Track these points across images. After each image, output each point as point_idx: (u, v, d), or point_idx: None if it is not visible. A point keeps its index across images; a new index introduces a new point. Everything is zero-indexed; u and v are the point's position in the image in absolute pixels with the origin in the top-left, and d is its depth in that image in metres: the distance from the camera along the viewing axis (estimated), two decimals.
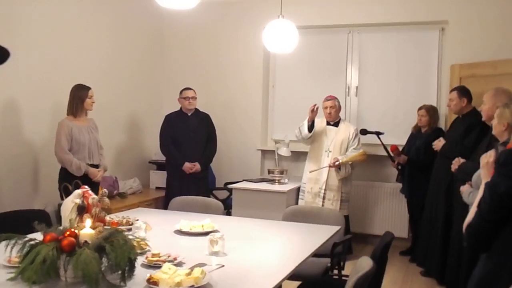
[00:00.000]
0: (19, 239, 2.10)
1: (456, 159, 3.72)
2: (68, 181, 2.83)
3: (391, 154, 5.23)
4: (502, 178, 1.81)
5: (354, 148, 5.09)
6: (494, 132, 2.99)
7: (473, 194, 2.89)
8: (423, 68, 5.69)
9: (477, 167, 2.93)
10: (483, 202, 1.89)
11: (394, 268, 4.88)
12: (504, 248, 1.94)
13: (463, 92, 4.50)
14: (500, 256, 1.94)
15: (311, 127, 5.09)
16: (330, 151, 5.09)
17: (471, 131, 4.25)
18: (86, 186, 2.48)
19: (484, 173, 2.15)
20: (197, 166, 5.19)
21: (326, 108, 5.15)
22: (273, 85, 6.34)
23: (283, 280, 2.29)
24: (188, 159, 5.19)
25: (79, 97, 4.32)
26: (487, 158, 2.14)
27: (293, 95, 6.20)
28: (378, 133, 5.31)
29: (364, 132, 5.35)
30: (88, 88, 4.36)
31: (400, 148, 5.24)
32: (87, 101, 4.33)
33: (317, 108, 5.05)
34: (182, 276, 2.03)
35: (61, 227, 2.22)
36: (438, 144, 4.44)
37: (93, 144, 4.40)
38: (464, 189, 3.08)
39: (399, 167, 5.25)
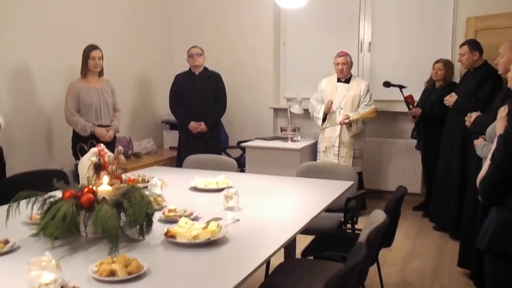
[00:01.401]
0: (40, 197, 2.15)
1: (470, 113, 3.68)
2: (82, 142, 2.87)
3: (408, 102, 5.11)
4: None
5: (366, 104, 5.06)
6: (509, 84, 2.95)
7: (486, 147, 2.88)
8: (438, 21, 5.56)
9: (492, 120, 2.92)
10: (497, 152, 1.89)
11: (408, 222, 4.93)
12: None
13: (474, 45, 4.42)
14: None
15: (324, 118, 5.12)
16: (342, 108, 5.07)
17: (484, 84, 4.19)
18: (102, 145, 2.52)
19: (499, 126, 2.14)
20: (202, 126, 5.14)
21: (338, 64, 5.09)
22: (285, 42, 6.26)
23: (296, 233, 2.33)
24: (194, 119, 5.16)
25: (84, 58, 4.33)
26: (504, 111, 2.12)
27: (305, 52, 6.13)
28: (401, 86, 5.14)
29: (387, 84, 5.23)
30: (92, 49, 4.30)
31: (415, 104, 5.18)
32: (90, 62, 4.30)
33: (331, 103, 5.05)
34: (199, 230, 2.08)
35: (79, 185, 2.28)
36: (451, 99, 4.39)
37: (102, 105, 4.40)
38: (478, 142, 3.06)
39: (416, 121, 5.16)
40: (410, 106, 5.11)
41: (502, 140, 1.89)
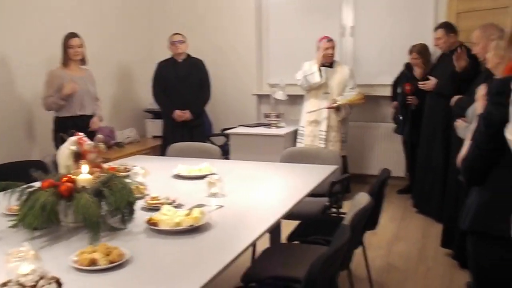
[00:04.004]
0: (17, 187, 2.11)
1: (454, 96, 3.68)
2: (63, 131, 2.82)
3: (408, 94, 4.94)
4: (496, 107, 1.80)
5: (350, 88, 5.06)
6: (489, 65, 2.95)
7: (467, 129, 2.89)
8: (419, 4, 5.55)
9: (472, 101, 2.92)
10: (478, 133, 1.89)
11: (392, 205, 4.96)
12: (500, 179, 1.94)
13: (449, 28, 4.41)
14: (497, 185, 1.94)
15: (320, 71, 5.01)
16: (328, 93, 5.06)
17: None
18: (81, 133, 2.47)
19: (479, 105, 2.14)
20: (187, 114, 5.09)
21: (327, 48, 5.03)
22: (267, 27, 6.21)
23: (281, 218, 2.32)
24: (179, 107, 5.10)
25: (64, 46, 4.25)
26: (483, 90, 2.12)
27: (287, 38, 6.08)
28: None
29: None
30: (71, 36, 4.22)
31: (399, 90, 5.16)
32: (69, 51, 4.23)
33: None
34: (182, 217, 2.05)
35: (58, 174, 2.23)
36: (430, 83, 4.39)
37: (85, 95, 4.34)
38: (459, 124, 3.07)
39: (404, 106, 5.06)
40: (409, 98, 4.93)
41: (483, 121, 1.89)
